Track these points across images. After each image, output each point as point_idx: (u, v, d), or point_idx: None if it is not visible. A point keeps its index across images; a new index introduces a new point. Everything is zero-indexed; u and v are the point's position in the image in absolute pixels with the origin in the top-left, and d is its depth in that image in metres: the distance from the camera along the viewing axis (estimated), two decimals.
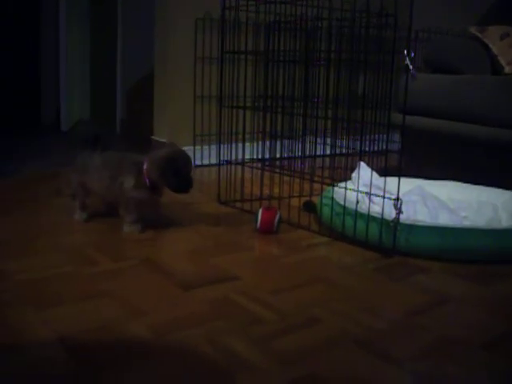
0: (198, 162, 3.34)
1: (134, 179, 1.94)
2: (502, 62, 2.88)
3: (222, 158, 2.53)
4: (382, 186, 2.03)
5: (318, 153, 3.42)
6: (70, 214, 2.11)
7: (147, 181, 1.94)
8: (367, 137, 3.13)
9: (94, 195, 2.10)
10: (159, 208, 2.10)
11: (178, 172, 1.92)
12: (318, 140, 3.26)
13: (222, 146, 2.62)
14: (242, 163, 2.45)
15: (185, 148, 3.27)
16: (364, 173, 2.19)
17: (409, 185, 2.33)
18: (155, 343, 1.21)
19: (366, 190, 2.02)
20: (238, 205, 2.40)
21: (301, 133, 3.12)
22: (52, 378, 1.07)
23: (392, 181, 2.19)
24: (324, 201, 2.12)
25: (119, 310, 1.36)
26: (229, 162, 2.49)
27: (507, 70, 2.86)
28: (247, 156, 3.30)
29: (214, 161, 3.37)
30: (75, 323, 1.28)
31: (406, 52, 1.73)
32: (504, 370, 1.15)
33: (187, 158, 1.97)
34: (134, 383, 1.06)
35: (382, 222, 1.84)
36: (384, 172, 1.93)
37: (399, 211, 1.78)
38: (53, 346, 1.18)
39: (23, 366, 1.10)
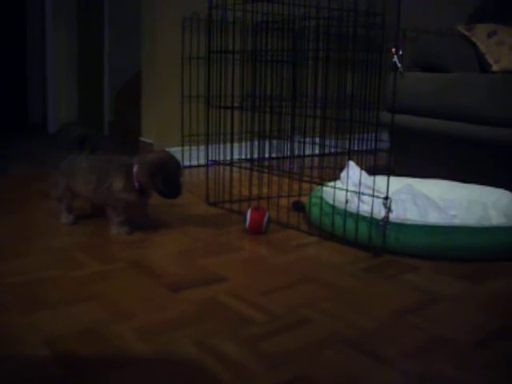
0: (186, 163, 3.32)
1: (123, 181, 1.92)
2: (490, 60, 2.88)
3: (210, 159, 2.52)
4: (371, 185, 2.03)
5: (306, 152, 3.42)
6: (57, 217, 2.09)
7: (136, 184, 1.93)
8: (356, 136, 3.13)
9: (80, 198, 2.08)
10: (147, 210, 2.09)
11: (167, 177, 1.91)
12: (307, 140, 3.25)
13: (210, 146, 2.60)
14: (231, 163, 2.44)
15: (173, 149, 3.26)
16: (353, 172, 2.18)
17: (398, 183, 2.32)
18: (143, 346, 1.19)
19: (355, 190, 2.01)
20: (227, 205, 2.38)
21: (289, 132, 3.11)
22: (38, 381, 1.05)
23: (381, 180, 2.18)
24: (313, 200, 2.11)
25: (107, 312, 1.35)
26: (217, 163, 2.48)
27: (495, 67, 2.86)
28: (236, 156, 3.29)
29: (202, 161, 3.35)
30: (62, 326, 1.27)
31: (393, 50, 1.72)
32: (497, 368, 1.14)
33: (177, 163, 1.96)
34: None
35: (371, 221, 1.83)
36: (373, 171, 1.93)
37: (389, 210, 1.77)
38: (39, 350, 1.16)
39: (9, 370, 1.08)
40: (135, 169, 1.93)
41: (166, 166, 1.92)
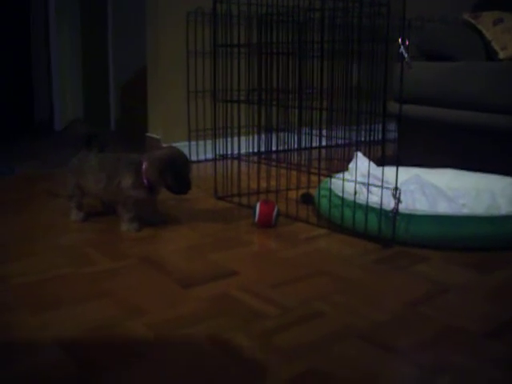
0: (193, 158, 3.33)
1: (132, 179, 1.93)
2: (496, 47, 2.86)
3: (217, 153, 2.52)
4: (379, 176, 2.02)
5: (314, 144, 3.41)
6: (66, 215, 2.10)
7: (145, 181, 1.94)
8: (363, 127, 3.12)
9: (90, 195, 2.09)
10: (156, 206, 2.09)
11: (176, 174, 1.92)
12: (314, 132, 3.24)
13: (217, 140, 2.60)
14: (238, 157, 2.44)
15: (180, 144, 3.27)
16: (361, 163, 2.18)
17: (406, 174, 2.32)
18: (155, 342, 1.19)
19: (364, 181, 2.01)
20: (235, 199, 2.39)
21: (296, 125, 3.10)
22: (52, 380, 1.06)
23: (390, 170, 2.18)
24: (322, 192, 2.11)
25: (118, 309, 1.35)
26: (225, 157, 2.48)
27: (501, 55, 2.84)
28: (243, 150, 3.29)
29: (209, 156, 3.36)
30: (74, 324, 1.27)
31: (400, 40, 1.71)
32: (508, 359, 1.14)
33: (186, 159, 1.97)
34: (134, 383, 1.05)
35: (380, 212, 1.83)
36: (381, 162, 1.92)
37: (398, 201, 1.77)
38: (52, 348, 1.16)
39: (23, 369, 1.09)
40: (144, 166, 1.94)
41: (175, 162, 1.92)
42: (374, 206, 1.86)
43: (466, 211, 2.03)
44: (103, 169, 1.98)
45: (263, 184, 2.58)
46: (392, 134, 3.65)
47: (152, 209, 2.07)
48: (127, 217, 1.97)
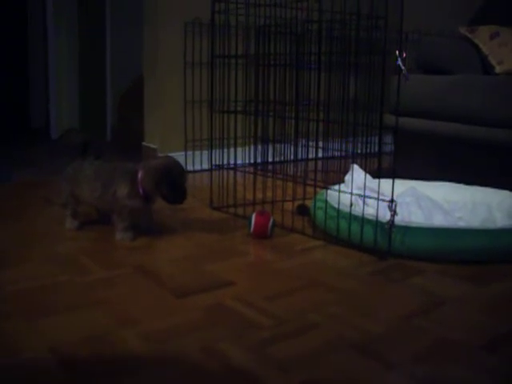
0: (189, 168, 3.32)
1: (128, 188, 1.93)
2: (493, 61, 2.88)
3: (213, 163, 2.52)
4: (375, 188, 2.02)
5: (310, 156, 3.42)
6: (62, 223, 2.09)
7: (141, 190, 1.93)
8: (360, 139, 3.12)
9: (85, 204, 2.08)
10: (151, 216, 2.09)
11: (172, 183, 1.92)
12: (310, 143, 3.25)
13: (213, 150, 2.60)
14: (234, 168, 2.44)
15: (176, 154, 3.26)
16: (357, 175, 2.18)
17: (403, 186, 2.32)
18: (149, 352, 1.18)
19: (360, 193, 2.00)
20: (231, 210, 2.38)
21: (293, 136, 3.10)
22: None
23: (386, 183, 2.18)
24: (318, 204, 2.11)
25: (112, 319, 1.34)
26: (221, 167, 2.48)
27: (498, 69, 2.86)
28: (239, 160, 3.29)
29: (205, 166, 3.35)
30: (67, 333, 1.26)
31: (397, 53, 1.72)
32: (504, 372, 1.13)
33: (181, 168, 1.97)
34: None
35: (376, 224, 1.82)
36: (377, 174, 1.92)
37: (394, 213, 1.77)
38: (45, 357, 1.15)
39: (15, 377, 1.08)
40: (140, 175, 1.93)
41: (171, 172, 1.92)
42: (370, 217, 1.86)
43: (462, 224, 2.03)
44: (99, 178, 1.97)
45: (259, 195, 2.58)
46: (388, 147, 3.66)
47: (147, 218, 2.07)
48: (122, 226, 1.97)
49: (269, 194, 2.62)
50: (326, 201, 2.04)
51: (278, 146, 3.21)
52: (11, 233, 2.02)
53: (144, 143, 3.42)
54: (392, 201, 1.76)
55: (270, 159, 3.31)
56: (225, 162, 2.72)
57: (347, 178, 2.23)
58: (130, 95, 4.53)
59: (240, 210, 2.36)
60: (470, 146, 2.62)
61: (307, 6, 2.22)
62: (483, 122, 2.51)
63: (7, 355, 1.16)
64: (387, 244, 1.80)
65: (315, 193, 2.19)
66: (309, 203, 2.34)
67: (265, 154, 2.88)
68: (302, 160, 3.10)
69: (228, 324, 1.33)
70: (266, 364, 1.14)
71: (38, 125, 5.10)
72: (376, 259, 1.81)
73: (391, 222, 1.77)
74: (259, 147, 3.12)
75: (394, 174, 1.83)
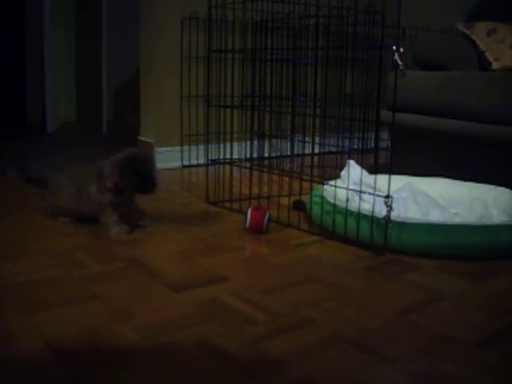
0: (186, 163, 3.32)
1: (96, 184, 1.96)
2: (490, 58, 2.87)
3: (210, 158, 2.51)
4: (371, 183, 2.02)
5: (306, 151, 3.41)
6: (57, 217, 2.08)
7: (109, 184, 1.95)
8: (356, 135, 3.12)
9: (70, 213, 2.08)
10: (136, 209, 2.09)
11: (136, 173, 1.93)
12: (307, 138, 3.24)
13: (209, 145, 2.59)
14: (231, 163, 2.43)
15: (172, 148, 3.25)
16: (353, 171, 2.18)
17: (399, 182, 2.32)
18: (144, 346, 1.18)
19: (356, 188, 2.00)
20: (227, 205, 2.37)
21: (289, 131, 3.10)
22: (39, 383, 1.04)
23: (382, 178, 2.18)
24: (314, 199, 2.11)
25: (108, 313, 1.34)
26: (217, 162, 2.47)
27: (495, 65, 2.85)
28: (235, 155, 3.28)
29: (202, 161, 3.35)
30: (63, 327, 1.26)
31: (394, 48, 1.71)
32: (501, 368, 1.13)
33: (146, 158, 1.99)
34: None
35: (372, 219, 1.82)
36: (374, 170, 1.92)
37: (390, 208, 1.77)
38: (41, 351, 1.15)
39: (10, 371, 1.07)
40: (106, 170, 1.96)
41: (133, 162, 1.94)
42: (366, 213, 1.85)
43: (458, 220, 2.02)
44: (71, 184, 2.02)
45: (255, 190, 2.57)
46: (385, 143, 3.66)
47: (132, 212, 2.07)
48: (112, 221, 1.98)
49: (265, 189, 2.62)
50: (322, 196, 2.04)
51: (274, 141, 3.20)
52: (5, 228, 2.01)
53: (140, 137, 3.41)
54: (388, 196, 1.76)
55: (267, 154, 3.30)
56: (221, 156, 2.71)
57: (343, 173, 2.23)
58: (126, 90, 4.52)
59: (236, 205, 2.36)
60: (466, 142, 2.62)
61: (304, 1, 2.21)
62: (480, 119, 2.51)
63: (3, 349, 1.15)
64: (383, 239, 1.80)
65: (311, 188, 2.19)
66: (305, 198, 2.33)
67: (261, 149, 2.87)
68: (298, 155, 3.10)
69: (223, 319, 1.32)
70: (262, 359, 1.14)
71: (35, 120, 5.08)
72: (372, 254, 1.81)
73: (387, 218, 1.77)
74: (255, 142, 3.11)
75: (390, 170, 1.83)
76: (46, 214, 2.11)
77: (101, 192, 1.96)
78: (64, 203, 2.04)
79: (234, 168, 2.55)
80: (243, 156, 3.30)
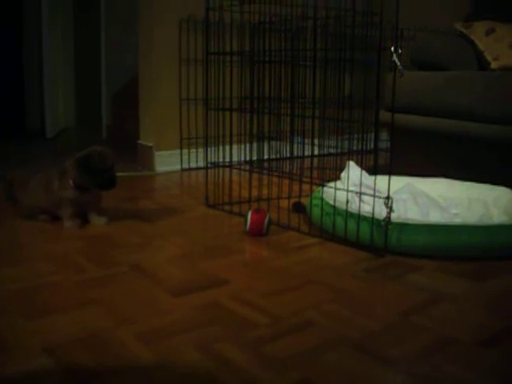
0: (185, 166, 3.31)
1: (58, 181, 2.07)
2: (488, 57, 2.87)
3: (209, 161, 2.50)
4: (371, 185, 2.02)
5: (306, 153, 3.41)
6: (56, 222, 2.08)
7: (70, 181, 2.04)
8: (355, 136, 3.12)
9: (44, 212, 2.15)
10: (98, 208, 2.16)
11: (93, 170, 2.01)
12: (306, 140, 3.24)
13: (208, 148, 2.59)
14: (230, 165, 2.43)
15: (172, 152, 3.25)
16: (353, 172, 2.17)
17: (399, 183, 2.31)
18: (145, 352, 1.17)
19: (356, 190, 2.00)
20: (227, 207, 2.37)
21: (288, 134, 3.09)
22: None
23: (382, 179, 2.17)
24: (314, 201, 2.10)
25: (108, 318, 1.33)
26: (216, 165, 2.47)
27: (494, 65, 2.85)
28: (235, 158, 3.28)
29: (201, 164, 3.34)
30: (63, 332, 1.25)
31: (393, 49, 1.71)
32: (502, 368, 1.13)
33: (104, 155, 2.04)
34: None
35: (372, 221, 1.82)
36: (373, 171, 1.91)
37: (390, 210, 1.76)
38: (40, 356, 1.14)
39: (9, 377, 1.06)
40: (68, 168, 2.06)
41: (89, 159, 2.01)
42: (366, 215, 1.85)
43: (458, 221, 2.02)
44: (40, 183, 2.13)
45: (255, 192, 2.57)
46: (384, 144, 3.65)
47: (93, 210, 2.14)
48: (65, 215, 2.08)
49: (264, 191, 2.62)
50: (322, 198, 2.03)
51: (273, 143, 3.20)
52: (5, 232, 2.00)
53: (139, 141, 3.40)
54: (388, 197, 1.76)
55: (266, 157, 3.30)
56: (220, 159, 2.71)
57: (343, 175, 2.22)
58: (124, 94, 4.52)
59: (236, 208, 2.35)
60: (465, 142, 2.62)
61: (302, 3, 2.21)
62: (479, 118, 2.51)
63: (2, 354, 1.15)
64: (383, 241, 1.79)
65: (311, 190, 2.18)
66: (305, 200, 2.33)
67: (260, 151, 2.87)
68: (297, 157, 3.09)
69: (224, 322, 1.32)
70: (263, 362, 1.13)
71: (34, 125, 5.08)
72: (372, 256, 1.80)
73: (387, 219, 1.77)
74: (254, 145, 3.11)
75: (390, 171, 1.82)
76: (20, 216, 2.19)
77: (61, 188, 2.05)
78: (34, 202, 2.13)
79: (234, 171, 2.54)
80: (242, 158, 3.29)
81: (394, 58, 1.70)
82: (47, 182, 2.10)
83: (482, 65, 2.92)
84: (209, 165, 2.48)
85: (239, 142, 3.30)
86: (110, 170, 2.03)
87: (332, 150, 3.10)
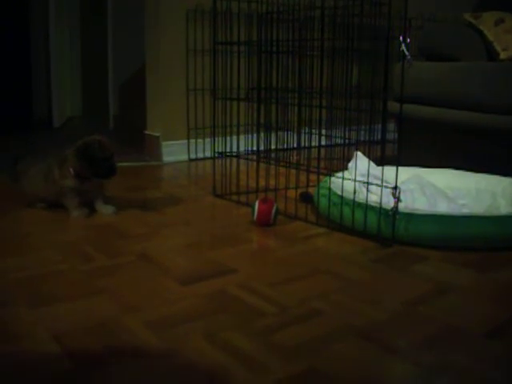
0: (192, 156, 3.32)
1: (58, 170, 2.07)
2: (498, 48, 2.85)
3: (216, 151, 2.51)
4: (379, 175, 2.01)
5: (313, 144, 3.41)
6: (63, 211, 2.09)
7: (71, 170, 2.04)
8: (363, 126, 3.11)
9: (46, 201, 2.17)
10: (102, 197, 2.17)
11: (91, 159, 2.01)
12: (314, 131, 3.24)
13: (216, 138, 2.59)
14: (237, 155, 2.43)
15: (179, 142, 3.25)
16: (361, 162, 2.17)
17: (406, 173, 2.31)
18: (153, 340, 1.18)
19: (363, 180, 2.00)
20: (234, 197, 2.37)
21: (296, 124, 3.09)
22: (48, 376, 1.04)
23: (389, 170, 2.17)
24: (321, 191, 2.10)
25: (115, 306, 1.34)
26: (223, 155, 2.47)
27: (503, 55, 2.84)
28: (242, 148, 3.28)
29: (208, 154, 3.34)
30: (71, 321, 1.26)
31: (401, 38, 1.70)
32: (507, 358, 1.13)
33: (102, 144, 2.05)
34: (130, 381, 1.03)
35: (380, 211, 1.82)
36: (381, 161, 1.91)
37: (397, 200, 1.76)
38: (48, 345, 1.15)
39: (18, 365, 1.07)
40: (68, 157, 2.06)
41: (89, 148, 2.01)
42: (374, 204, 1.85)
43: (465, 211, 2.02)
44: (40, 172, 2.13)
45: (262, 182, 2.57)
46: (392, 134, 3.64)
47: (98, 198, 2.15)
48: (72, 205, 2.08)
49: (272, 181, 2.62)
50: (330, 188, 2.03)
51: (280, 133, 3.20)
52: (13, 221, 2.01)
53: (146, 132, 3.41)
54: (396, 187, 1.76)
55: (273, 147, 3.30)
56: (228, 149, 2.71)
57: (351, 165, 2.22)
58: (131, 84, 4.52)
59: (243, 198, 2.35)
60: (474, 133, 2.61)
61: None
62: (487, 109, 2.50)
63: (8, 343, 1.16)
64: (391, 231, 1.79)
65: (318, 180, 2.18)
66: (312, 191, 2.33)
67: (268, 141, 2.87)
68: (305, 147, 3.09)
69: (232, 311, 1.32)
70: (271, 351, 1.14)
71: (41, 115, 5.09)
72: (379, 246, 1.80)
73: (395, 209, 1.77)
74: (262, 135, 3.11)
75: (397, 161, 1.82)
76: (23, 202, 2.21)
77: (62, 177, 2.06)
78: (34, 190, 2.14)
79: (241, 161, 2.54)
80: (250, 148, 3.29)
81: (403, 47, 1.69)
82: (47, 171, 2.11)
83: (491, 55, 2.90)
84: (216, 155, 2.48)
85: (246, 132, 3.30)
86: (109, 158, 2.04)
87: (339, 141, 3.10)
